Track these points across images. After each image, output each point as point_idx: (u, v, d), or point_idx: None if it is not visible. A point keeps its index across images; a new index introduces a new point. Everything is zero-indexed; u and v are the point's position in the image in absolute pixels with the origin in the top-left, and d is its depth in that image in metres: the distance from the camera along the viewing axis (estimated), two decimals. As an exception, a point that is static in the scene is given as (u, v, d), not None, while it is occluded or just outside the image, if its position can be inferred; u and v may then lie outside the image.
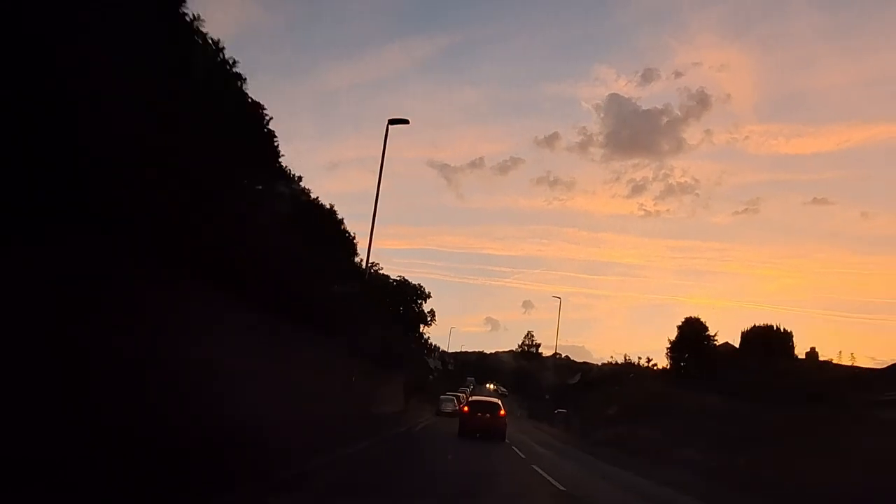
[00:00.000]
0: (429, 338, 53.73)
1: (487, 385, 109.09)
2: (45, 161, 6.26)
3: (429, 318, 50.69)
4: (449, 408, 46.20)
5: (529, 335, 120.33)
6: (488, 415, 25.65)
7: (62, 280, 6.41)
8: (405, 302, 45.81)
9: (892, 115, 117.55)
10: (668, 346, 38.98)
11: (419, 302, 48.69)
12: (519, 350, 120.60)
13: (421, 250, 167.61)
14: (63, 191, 6.51)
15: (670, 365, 38.80)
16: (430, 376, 70.90)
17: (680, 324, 38.83)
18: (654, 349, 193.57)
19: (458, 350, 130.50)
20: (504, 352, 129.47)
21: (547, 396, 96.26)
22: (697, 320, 38.57)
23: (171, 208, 8.56)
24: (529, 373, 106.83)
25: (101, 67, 7.05)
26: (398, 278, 46.78)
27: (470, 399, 30.98)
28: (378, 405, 30.48)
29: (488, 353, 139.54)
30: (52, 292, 6.26)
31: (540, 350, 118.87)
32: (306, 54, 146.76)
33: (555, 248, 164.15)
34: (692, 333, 37.50)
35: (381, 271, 40.32)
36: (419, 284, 49.25)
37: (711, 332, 39.10)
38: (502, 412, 26.22)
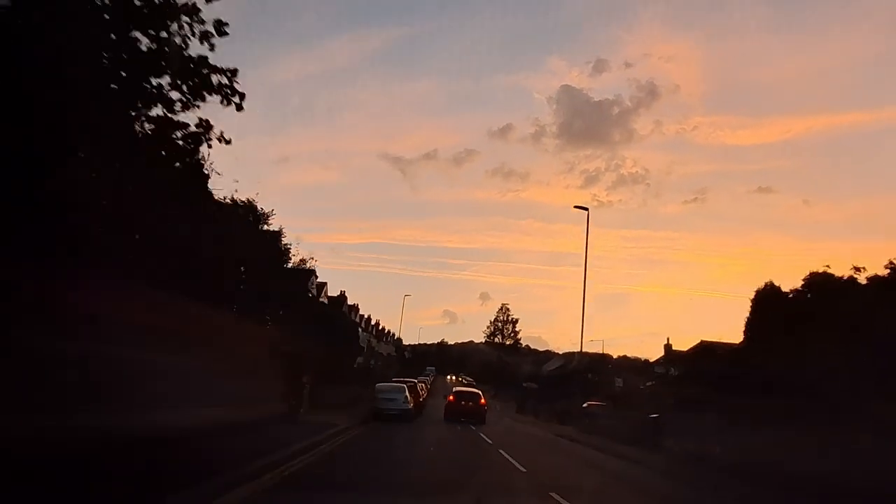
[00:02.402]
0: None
1: (449, 377, 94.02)
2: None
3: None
4: (397, 405, 23.73)
5: (504, 309, 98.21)
6: (471, 403, 28.72)
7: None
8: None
9: (829, 107, 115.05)
10: None
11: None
12: (490, 329, 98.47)
13: (376, 244, 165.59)
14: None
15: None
16: (362, 359, 47.06)
17: None
18: (607, 337, 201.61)
19: (417, 342, 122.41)
20: (465, 342, 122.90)
21: (529, 385, 76.86)
22: None
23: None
24: (501, 360, 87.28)
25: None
26: None
27: (454, 389, 33.60)
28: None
29: (451, 343, 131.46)
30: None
31: (517, 328, 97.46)
32: (254, 46, 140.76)
33: (511, 240, 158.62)
34: None
35: None
36: None
37: None
38: (482, 401, 29.45)
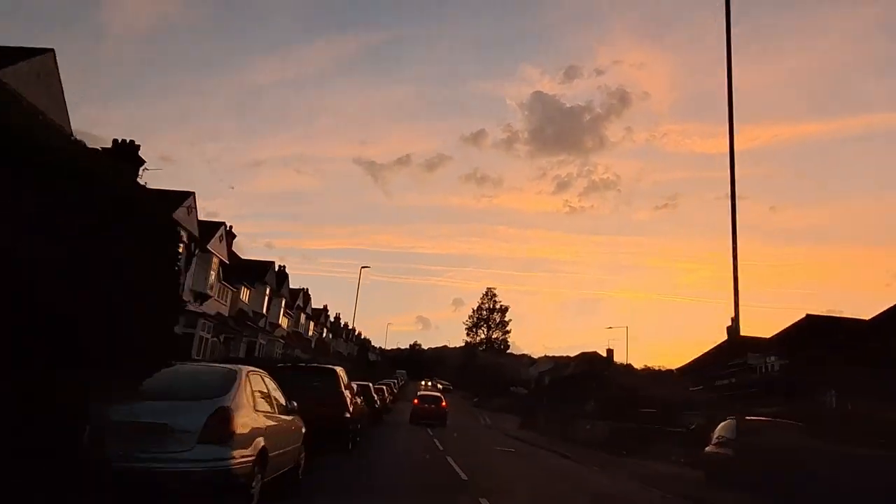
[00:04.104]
0: None
1: (424, 381, 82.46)
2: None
3: None
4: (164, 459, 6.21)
5: (490, 295, 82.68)
6: (433, 406, 31.75)
7: None
8: None
9: (794, 116, 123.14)
10: None
11: None
12: (473, 319, 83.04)
13: (350, 250, 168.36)
14: None
15: None
16: (281, 347, 32.57)
17: None
18: (577, 342, 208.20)
19: (389, 347, 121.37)
20: (439, 347, 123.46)
21: (518, 389, 63.15)
22: None
23: None
24: (482, 363, 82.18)
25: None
26: None
27: (418, 393, 36.69)
28: None
29: (425, 347, 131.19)
30: None
31: (507, 318, 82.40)
32: (228, 50, 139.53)
33: (484, 246, 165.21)
34: None
35: None
36: None
37: None
38: (444, 403, 32.65)
